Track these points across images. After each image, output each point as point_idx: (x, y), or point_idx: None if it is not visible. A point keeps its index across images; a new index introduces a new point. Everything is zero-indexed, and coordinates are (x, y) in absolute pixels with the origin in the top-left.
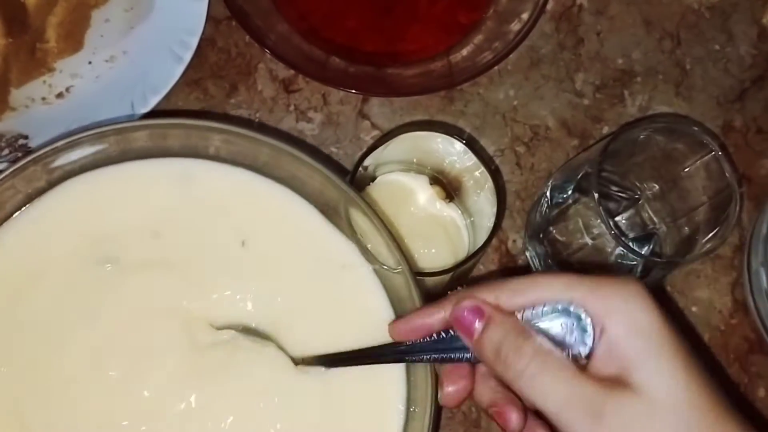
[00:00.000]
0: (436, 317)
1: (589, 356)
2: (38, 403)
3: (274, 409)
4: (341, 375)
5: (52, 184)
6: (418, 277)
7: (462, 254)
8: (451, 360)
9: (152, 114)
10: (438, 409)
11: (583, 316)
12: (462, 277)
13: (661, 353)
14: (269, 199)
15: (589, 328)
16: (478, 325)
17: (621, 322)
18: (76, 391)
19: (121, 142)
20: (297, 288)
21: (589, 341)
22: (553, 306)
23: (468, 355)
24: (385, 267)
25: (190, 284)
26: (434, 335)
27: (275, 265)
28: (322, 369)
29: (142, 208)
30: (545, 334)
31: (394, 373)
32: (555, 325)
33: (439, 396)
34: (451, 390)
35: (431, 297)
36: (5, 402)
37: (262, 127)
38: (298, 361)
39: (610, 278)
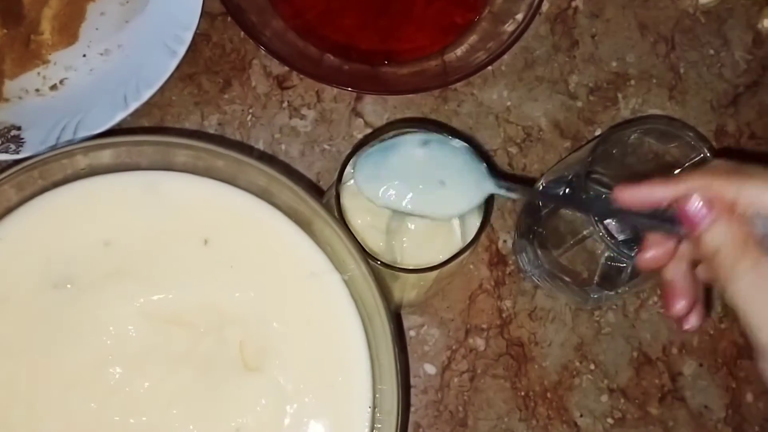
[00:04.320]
0: (663, 193)
1: None
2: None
3: (229, 408)
4: (303, 379)
5: (20, 203)
6: (406, 273)
7: (456, 250)
8: (663, 230)
9: (119, 131)
10: (405, 418)
11: None
12: (449, 275)
13: None
14: (236, 206)
15: None
16: (704, 222)
17: None
18: (65, 411)
19: (90, 158)
20: (262, 289)
21: None
22: None
23: (681, 231)
24: (350, 275)
25: (151, 286)
26: None
27: (239, 264)
28: None
29: (98, 221)
30: None
31: (359, 378)
32: None
33: (638, 257)
34: (652, 254)
35: (397, 309)
36: None
37: (227, 141)
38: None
39: None
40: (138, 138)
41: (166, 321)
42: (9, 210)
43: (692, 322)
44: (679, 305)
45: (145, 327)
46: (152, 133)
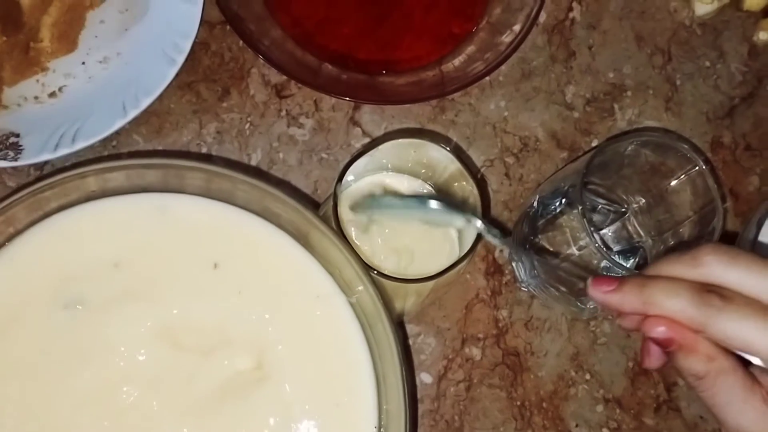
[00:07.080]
0: (631, 301)
1: None
2: None
3: (237, 428)
4: (309, 399)
5: (30, 224)
6: (404, 282)
7: (453, 260)
8: None
9: (130, 154)
10: None
11: None
12: (446, 285)
13: None
14: (243, 228)
15: None
16: (670, 346)
17: None
18: (76, 429)
19: (101, 181)
20: (270, 312)
21: None
22: None
23: None
24: (356, 297)
25: (160, 308)
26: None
27: (248, 287)
28: None
29: (107, 243)
30: None
31: (365, 398)
32: None
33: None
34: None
35: (398, 318)
36: None
37: (234, 164)
38: None
39: None
40: (149, 161)
41: (175, 342)
42: (19, 231)
43: (654, 364)
44: (654, 358)
45: (155, 348)
46: (163, 155)
